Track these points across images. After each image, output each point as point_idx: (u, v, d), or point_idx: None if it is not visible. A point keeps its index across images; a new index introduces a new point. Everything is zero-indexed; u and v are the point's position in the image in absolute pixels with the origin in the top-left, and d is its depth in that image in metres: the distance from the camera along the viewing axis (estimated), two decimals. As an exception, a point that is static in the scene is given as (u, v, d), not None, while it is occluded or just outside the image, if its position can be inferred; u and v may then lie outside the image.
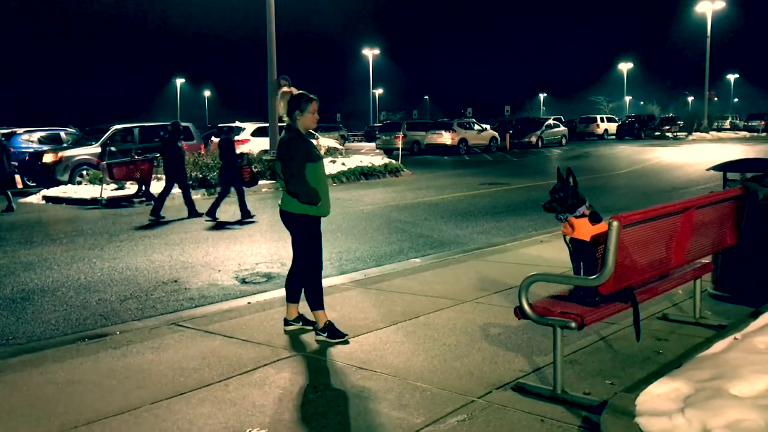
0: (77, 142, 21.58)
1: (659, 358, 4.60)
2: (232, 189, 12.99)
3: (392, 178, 21.84)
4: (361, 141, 56.45)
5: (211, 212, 12.67)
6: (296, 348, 5.14)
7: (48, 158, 19.65)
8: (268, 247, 9.84)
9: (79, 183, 19.00)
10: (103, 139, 20.26)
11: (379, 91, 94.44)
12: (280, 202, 5.30)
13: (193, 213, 13.35)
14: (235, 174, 12.93)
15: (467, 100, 76.13)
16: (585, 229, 4.17)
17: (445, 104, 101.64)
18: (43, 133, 24.06)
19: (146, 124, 22.27)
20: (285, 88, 5.28)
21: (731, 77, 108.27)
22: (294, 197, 5.07)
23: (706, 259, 5.48)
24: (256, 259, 9.04)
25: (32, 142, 23.00)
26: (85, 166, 19.75)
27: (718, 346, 4.06)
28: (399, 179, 21.78)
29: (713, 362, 3.69)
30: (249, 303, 6.49)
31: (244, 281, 7.81)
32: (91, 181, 18.42)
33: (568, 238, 4.23)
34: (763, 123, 59.15)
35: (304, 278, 5.29)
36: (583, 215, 4.18)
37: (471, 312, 5.93)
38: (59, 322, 6.30)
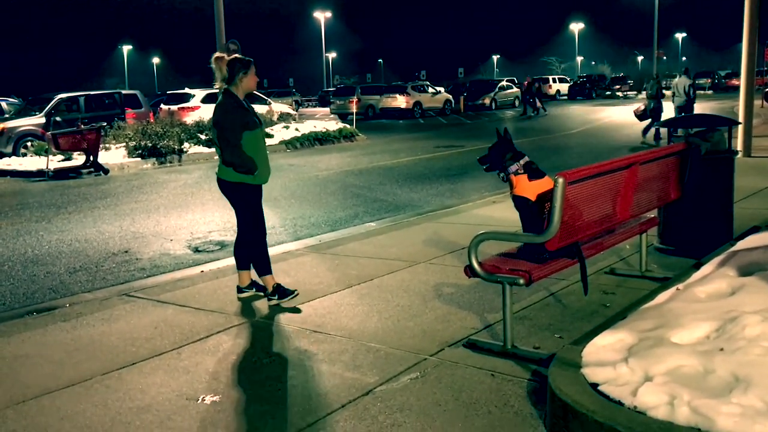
0: (20, 113, 20.82)
1: (606, 311, 4.72)
2: None
3: (347, 143, 21.72)
4: (315, 106, 55.82)
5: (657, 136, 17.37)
6: (249, 314, 5.12)
7: (-11, 130, 18.95)
8: (221, 215, 9.73)
9: (24, 155, 18.37)
10: (47, 108, 19.58)
11: (332, 55, 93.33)
12: (216, 170, 5.22)
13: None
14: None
15: (421, 63, 76.03)
16: (523, 186, 4.23)
17: (399, 68, 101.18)
18: (-17, 104, 23.18)
19: (92, 93, 21.60)
20: (217, 54, 5.13)
21: (679, 36, 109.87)
22: (230, 166, 5.00)
23: (652, 214, 5.61)
24: (209, 228, 8.94)
25: (-28, 113, 22.15)
26: (29, 137, 19.08)
27: (662, 297, 4.18)
28: (354, 144, 21.68)
29: (656, 313, 3.80)
30: (202, 271, 6.43)
31: (196, 250, 7.73)
32: (37, 153, 17.82)
33: (512, 196, 4.29)
34: (709, 81, 60.34)
35: (249, 246, 5.26)
36: (517, 172, 4.25)
37: (424, 273, 5.98)
38: (6, 297, 6.15)
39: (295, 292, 5.28)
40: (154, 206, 10.88)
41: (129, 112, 21.92)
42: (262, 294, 5.42)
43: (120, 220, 9.74)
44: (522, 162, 4.27)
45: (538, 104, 34.37)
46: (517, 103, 42.93)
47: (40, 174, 15.59)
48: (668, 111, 17.92)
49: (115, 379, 3.99)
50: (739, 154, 11.43)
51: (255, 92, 5.30)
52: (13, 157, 18.02)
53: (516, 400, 3.49)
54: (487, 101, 40.75)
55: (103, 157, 16.42)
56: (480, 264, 4.04)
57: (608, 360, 3.27)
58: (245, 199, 5.15)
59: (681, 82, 18.10)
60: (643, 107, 18.48)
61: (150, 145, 17.41)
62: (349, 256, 6.73)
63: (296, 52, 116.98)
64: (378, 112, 36.07)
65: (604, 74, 63.59)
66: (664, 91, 19.25)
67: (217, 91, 5.13)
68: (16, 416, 3.57)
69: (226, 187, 5.17)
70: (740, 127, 12.69)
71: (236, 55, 5.12)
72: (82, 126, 16.38)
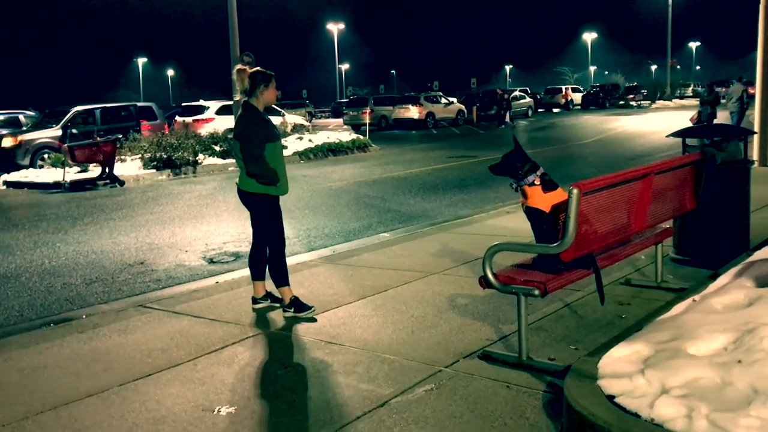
0: (37, 125, 21.06)
1: (622, 322, 4.69)
2: None
3: (360, 154, 21.78)
4: (328, 117, 56.07)
5: None
6: (264, 325, 5.14)
7: (7, 142, 19.15)
8: (235, 226, 9.78)
9: (41, 167, 18.58)
10: (63, 121, 19.80)
11: (345, 67, 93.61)
12: (237, 181, 5.26)
13: None
14: None
15: (434, 74, 76.23)
16: (538, 198, 4.23)
17: (412, 78, 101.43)
18: (0, 117, 23.43)
19: (108, 105, 21.81)
20: (239, 66, 5.19)
21: (693, 45, 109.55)
22: (253, 178, 5.03)
23: (667, 224, 5.58)
24: (224, 239, 8.98)
25: (-10, 126, 22.41)
26: (46, 150, 19.28)
27: (678, 308, 4.15)
28: (367, 155, 21.73)
29: (672, 324, 3.78)
30: (217, 282, 6.46)
31: (211, 261, 7.77)
32: (53, 165, 18.03)
33: (524, 207, 4.29)
34: (723, 90, 60.01)
35: (272, 256, 5.27)
36: (533, 183, 4.24)
37: (438, 284, 5.98)
38: (23, 308, 6.21)
39: (312, 309, 5.26)
40: (169, 217, 10.95)
41: (144, 124, 22.12)
42: (277, 305, 5.44)
43: (135, 231, 9.81)
44: (539, 173, 4.27)
45: (507, 118, 34.81)
46: (530, 113, 43.04)
47: (56, 186, 15.75)
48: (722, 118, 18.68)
49: (131, 390, 4.01)
50: (755, 164, 11.36)
51: None
52: (30, 169, 18.22)
53: (531, 412, 3.48)
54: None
55: (119, 169, 16.56)
56: (495, 275, 4.04)
57: (624, 372, 3.25)
58: (268, 210, 5.17)
59: (736, 89, 19.18)
60: (696, 115, 19.28)
61: (165, 156, 17.54)
62: (363, 266, 6.74)
63: (309, 63, 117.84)
64: (391, 123, 36.16)
65: (618, 84, 63.30)
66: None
67: (231, 103, 5.20)
68: (34, 427, 3.59)
69: (247, 198, 5.20)
70: (756, 137, 12.61)
71: (258, 68, 5.16)
72: (98, 138, 16.56)
